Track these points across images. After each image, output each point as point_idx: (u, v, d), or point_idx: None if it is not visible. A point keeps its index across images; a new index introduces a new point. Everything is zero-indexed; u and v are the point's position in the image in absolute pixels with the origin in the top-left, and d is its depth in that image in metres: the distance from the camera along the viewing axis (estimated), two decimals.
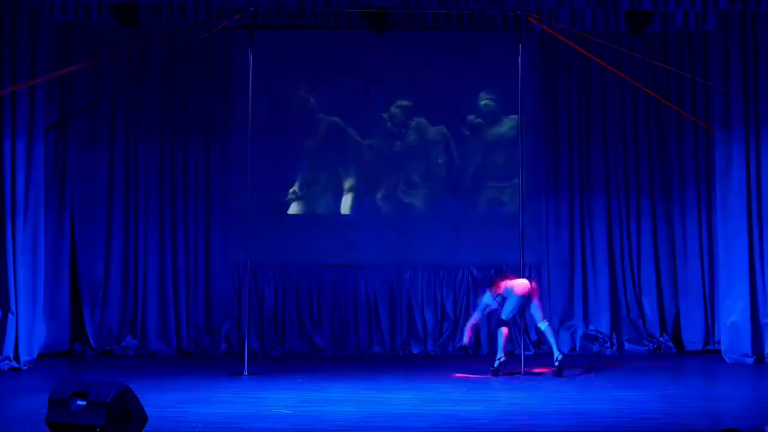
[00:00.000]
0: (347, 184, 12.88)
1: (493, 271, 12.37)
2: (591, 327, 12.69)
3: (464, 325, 12.57)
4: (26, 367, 11.03)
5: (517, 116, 11.08)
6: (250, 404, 8.84)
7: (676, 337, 12.73)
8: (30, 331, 11.21)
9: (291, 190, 12.74)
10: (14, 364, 10.95)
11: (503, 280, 10.78)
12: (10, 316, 10.95)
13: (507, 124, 12.16)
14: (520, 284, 10.62)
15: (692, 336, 12.60)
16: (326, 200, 12.82)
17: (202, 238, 12.62)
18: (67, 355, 12.29)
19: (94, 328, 12.42)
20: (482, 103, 12.85)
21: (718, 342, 12.08)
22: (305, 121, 12.78)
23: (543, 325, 10.69)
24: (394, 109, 12.80)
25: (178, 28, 11.62)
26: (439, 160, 12.74)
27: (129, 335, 12.46)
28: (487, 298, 10.78)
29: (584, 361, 11.72)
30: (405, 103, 12.72)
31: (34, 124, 11.25)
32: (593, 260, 12.78)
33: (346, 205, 12.86)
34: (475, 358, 12.07)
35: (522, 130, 11.10)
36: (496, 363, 10.58)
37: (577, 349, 12.58)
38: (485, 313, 10.90)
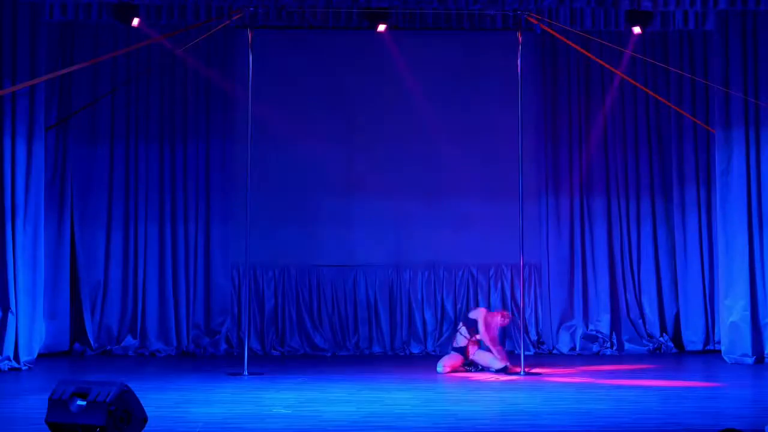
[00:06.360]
0: (347, 183, 12.86)
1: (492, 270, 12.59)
2: (591, 327, 12.68)
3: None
4: (26, 367, 11.03)
5: (516, 116, 11.07)
6: (249, 404, 8.84)
7: (676, 337, 12.73)
8: (30, 331, 11.21)
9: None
10: (14, 364, 10.95)
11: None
12: (10, 316, 10.95)
13: (507, 124, 12.12)
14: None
15: (692, 336, 12.60)
16: (326, 200, 12.80)
17: (202, 237, 12.62)
18: (67, 355, 12.29)
19: (94, 328, 12.42)
20: (482, 102, 12.85)
21: (718, 342, 12.08)
22: (305, 120, 12.76)
23: None
24: (393, 109, 12.79)
25: (178, 28, 11.62)
26: (439, 160, 12.72)
27: (129, 335, 12.45)
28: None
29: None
30: (405, 102, 12.69)
31: (34, 124, 11.25)
32: (593, 260, 12.78)
33: (346, 204, 12.84)
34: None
35: (522, 130, 11.10)
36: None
37: (577, 349, 12.57)
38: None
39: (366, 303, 12.75)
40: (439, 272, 12.78)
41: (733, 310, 11.53)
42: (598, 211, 12.83)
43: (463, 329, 11.12)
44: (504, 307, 12.68)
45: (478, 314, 11.14)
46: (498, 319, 11.15)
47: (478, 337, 11.01)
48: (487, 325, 11.02)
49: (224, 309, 12.61)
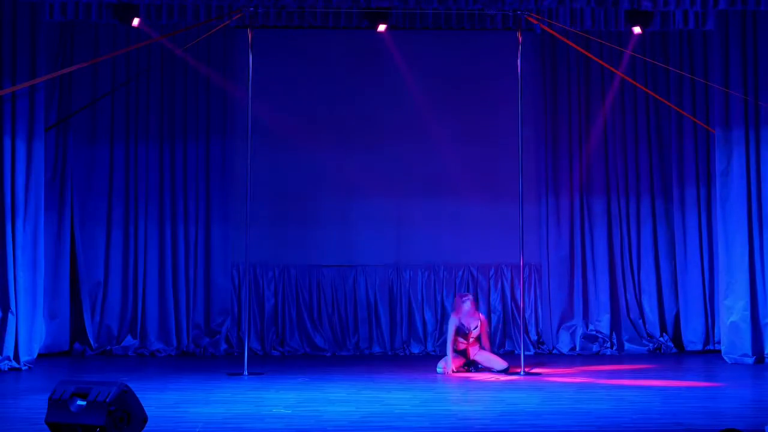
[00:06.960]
0: (347, 183, 12.86)
1: (492, 270, 12.60)
2: (591, 327, 12.67)
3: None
4: (26, 367, 11.03)
5: (516, 116, 11.07)
6: (249, 404, 8.84)
7: (676, 337, 12.73)
8: (30, 331, 11.22)
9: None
10: (14, 364, 10.95)
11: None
12: (10, 316, 10.95)
13: (507, 124, 12.15)
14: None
15: (692, 336, 12.60)
16: (326, 200, 12.81)
17: (202, 237, 12.62)
18: (67, 355, 12.29)
19: (94, 328, 12.42)
20: (482, 102, 12.85)
21: (718, 342, 12.08)
22: (305, 120, 12.76)
23: None
24: (393, 109, 12.79)
25: (178, 28, 11.62)
26: (439, 160, 12.72)
27: (129, 335, 12.46)
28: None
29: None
30: (405, 102, 12.69)
31: (34, 124, 11.26)
32: (593, 260, 12.77)
33: (346, 204, 12.85)
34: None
35: (522, 130, 11.10)
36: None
37: (577, 349, 12.57)
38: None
39: (366, 303, 12.75)
40: (439, 272, 12.78)
41: (733, 310, 11.53)
42: (598, 211, 12.83)
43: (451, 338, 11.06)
44: (503, 307, 12.70)
45: (454, 322, 11.02)
46: (465, 307, 11.01)
47: (473, 335, 10.96)
48: (471, 317, 10.96)
49: (224, 309, 12.61)
